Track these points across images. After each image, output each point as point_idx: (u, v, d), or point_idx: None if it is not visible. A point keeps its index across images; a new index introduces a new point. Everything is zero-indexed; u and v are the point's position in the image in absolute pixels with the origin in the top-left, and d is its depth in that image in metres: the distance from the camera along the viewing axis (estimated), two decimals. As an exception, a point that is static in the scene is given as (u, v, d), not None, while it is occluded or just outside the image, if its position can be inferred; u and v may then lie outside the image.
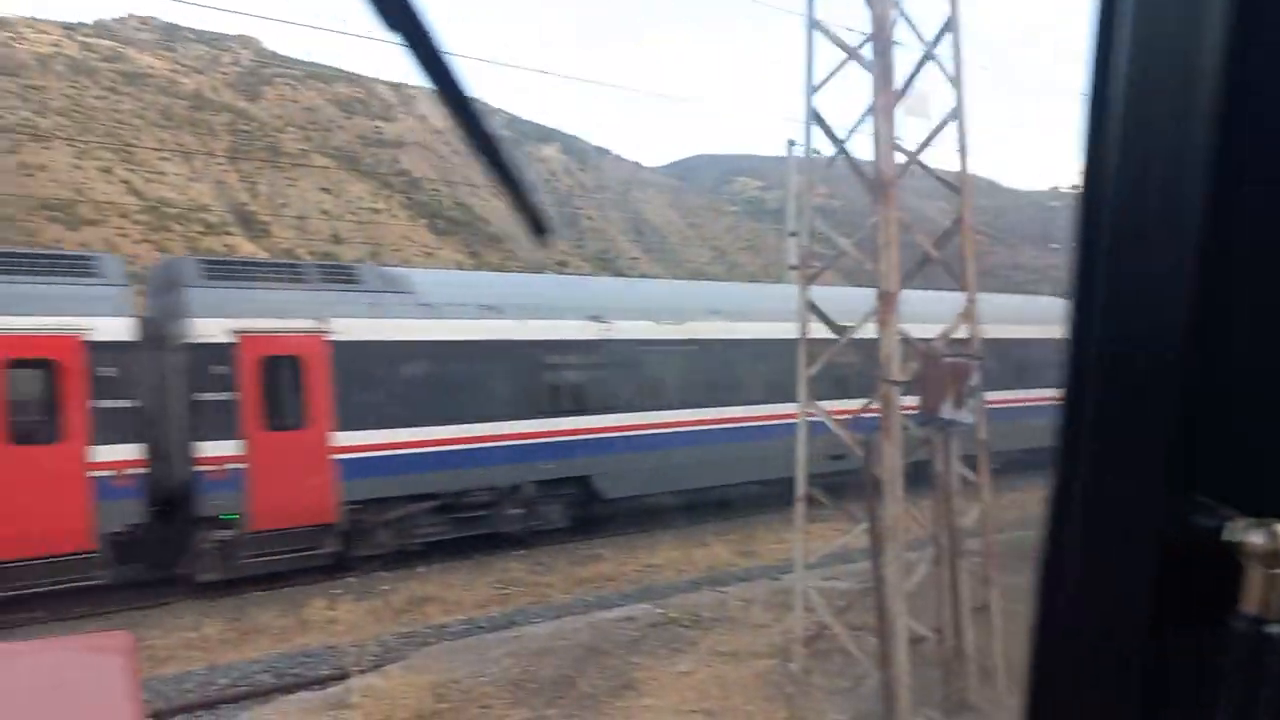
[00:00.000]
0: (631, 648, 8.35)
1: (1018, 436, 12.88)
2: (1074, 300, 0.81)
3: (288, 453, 12.98)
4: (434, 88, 1.02)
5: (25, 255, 14.11)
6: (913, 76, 6.56)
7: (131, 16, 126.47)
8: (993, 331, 8.66)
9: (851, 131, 6.72)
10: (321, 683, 8.37)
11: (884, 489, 6.12)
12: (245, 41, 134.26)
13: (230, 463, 12.56)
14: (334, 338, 13.38)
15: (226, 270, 14.12)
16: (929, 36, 6.62)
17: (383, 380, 13.81)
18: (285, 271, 14.88)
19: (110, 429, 11.72)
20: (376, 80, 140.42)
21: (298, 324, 13.19)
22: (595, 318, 15.79)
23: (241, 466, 12.63)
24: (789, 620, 7.75)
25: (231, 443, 12.60)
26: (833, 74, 6.76)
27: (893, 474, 6.10)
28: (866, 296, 7.94)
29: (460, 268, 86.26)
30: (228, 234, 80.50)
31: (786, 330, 16.99)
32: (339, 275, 14.92)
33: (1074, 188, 0.84)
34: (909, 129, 6.59)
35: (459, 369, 14.39)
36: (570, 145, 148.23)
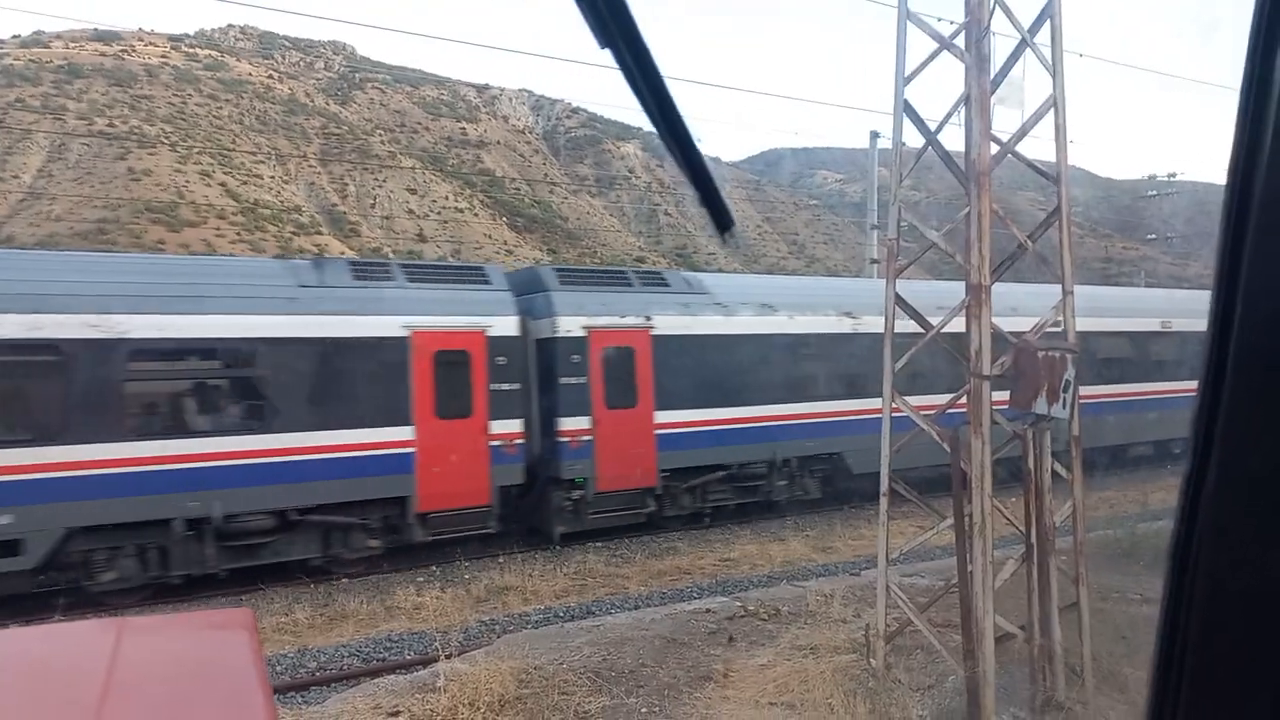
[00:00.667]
0: (710, 639, 8.35)
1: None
2: (1218, 291, 0.80)
3: (624, 427, 15.38)
4: (639, 91, 1.09)
5: (436, 267, 17.08)
6: (1008, 65, 6.37)
7: (232, 27, 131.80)
8: (1086, 325, 8.38)
9: (943, 122, 6.56)
10: (407, 667, 8.61)
11: (972, 484, 5.99)
12: (338, 48, 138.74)
13: (583, 435, 14.95)
14: (654, 332, 15.68)
15: (576, 276, 16.41)
16: (1025, 24, 6.42)
17: (689, 368, 15.90)
18: (617, 277, 17.26)
19: (502, 407, 14.26)
20: (461, 82, 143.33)
21: (630, 320, 15.55)
22: (848, 314, 17.53)
23: (590, 438, 15.03)
24: (870, 615, 7.65)
25: (585, 418, 14.97)
26: (925, 64, 6.62)
27: (981, 469, 5.96)
28: (951, 290, 7.76)
29: (537, 264, 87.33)
30: (318, 234, 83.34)
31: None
32: (655, 280, 17.27)
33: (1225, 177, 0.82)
34: (1000, 119, 6.41)
35: (744, 358, 16.50)
36: (649, 141, 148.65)
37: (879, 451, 6.92)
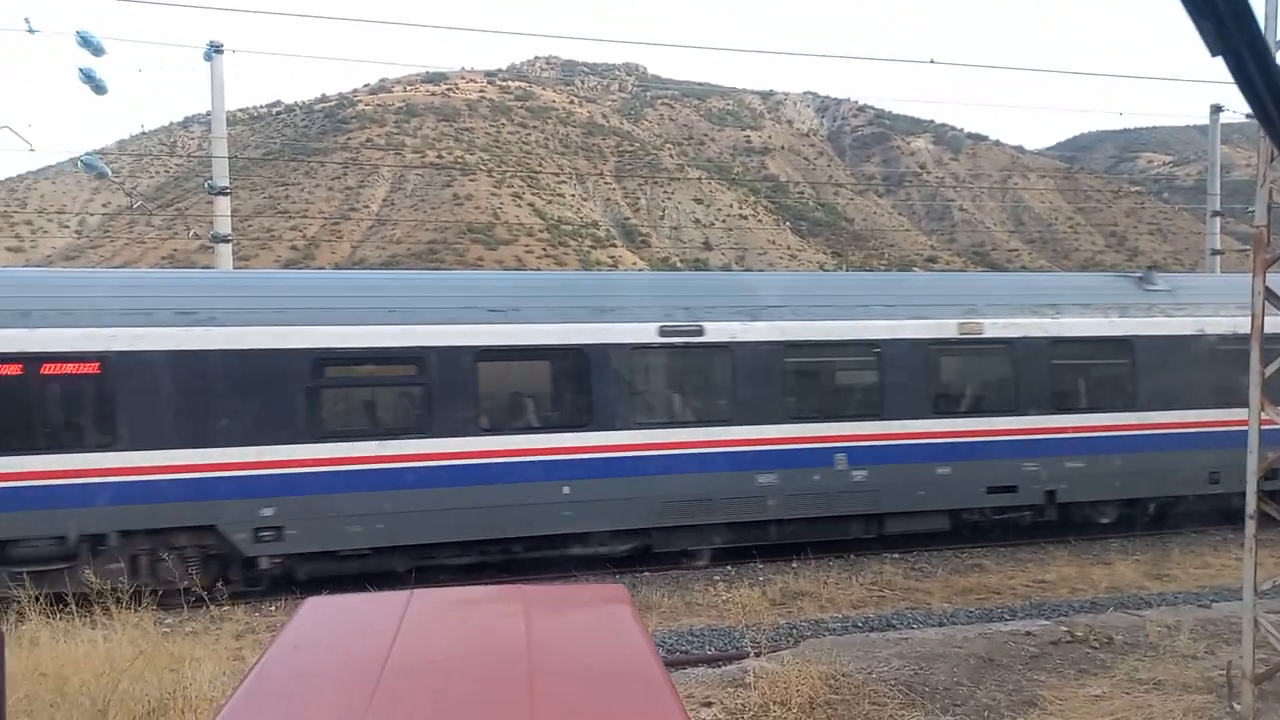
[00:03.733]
0: (1032, 664, 7.76)
1: None
2: None
3: None
4: (1256, 98, 1.07)
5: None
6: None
7: (538, 58, 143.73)
8: None
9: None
10: (712, 662, 8.86)
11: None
12: (631, 69, 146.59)
13: None
14: None
15: None
16: None
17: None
18: None
19: None
20: (746, 91, 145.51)
21: None
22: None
23: None
24: (1229, 653, 6.70)
25: None
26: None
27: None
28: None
29: (822, 268, 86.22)
30: (613, 246, 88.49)
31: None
32: None
33: None
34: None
35: None
36: (942, 134, 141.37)
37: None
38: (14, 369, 10.90)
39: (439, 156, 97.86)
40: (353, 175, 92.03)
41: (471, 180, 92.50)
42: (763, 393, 13.34)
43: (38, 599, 7.72)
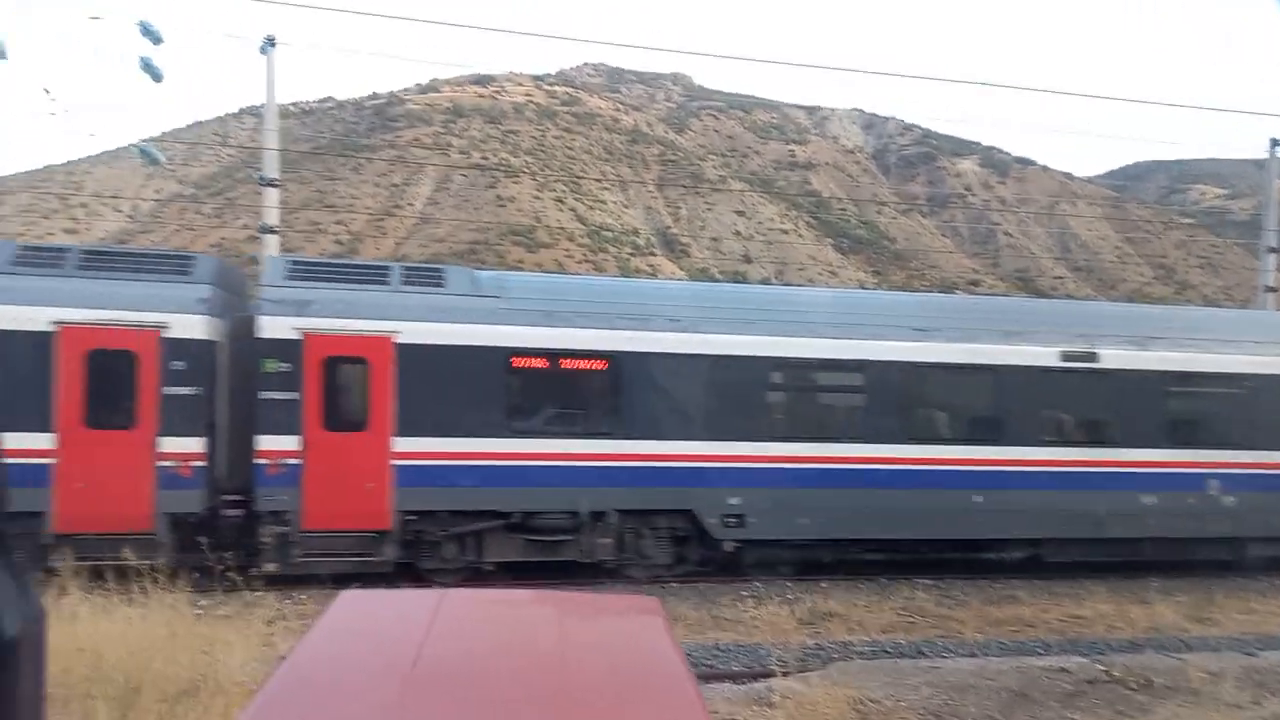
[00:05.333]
0: (1067, 702, 7.55)
1: None
2: None
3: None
4: None
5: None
6: None
7: (585, 64, 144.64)
8: None
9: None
10: (737, 678, 8.73)
11: None
12: (677, 79, 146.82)
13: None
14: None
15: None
16: None
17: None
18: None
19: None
20: (792, 105, 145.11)
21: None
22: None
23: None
24: (1278, 705, 6.46)
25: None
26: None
27: None
28: None
29: (862, 286, 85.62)
30: (652, 255, 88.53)
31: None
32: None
33: None
34: None
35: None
36: (989, 157, 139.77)
37: None
38: (540, 362, 12.47)
39: (484, 158, 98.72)
40: (398, 172, 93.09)
41: (515, 183, 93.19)
42: (1147, 418, 14.41)
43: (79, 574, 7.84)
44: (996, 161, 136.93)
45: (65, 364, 11.28)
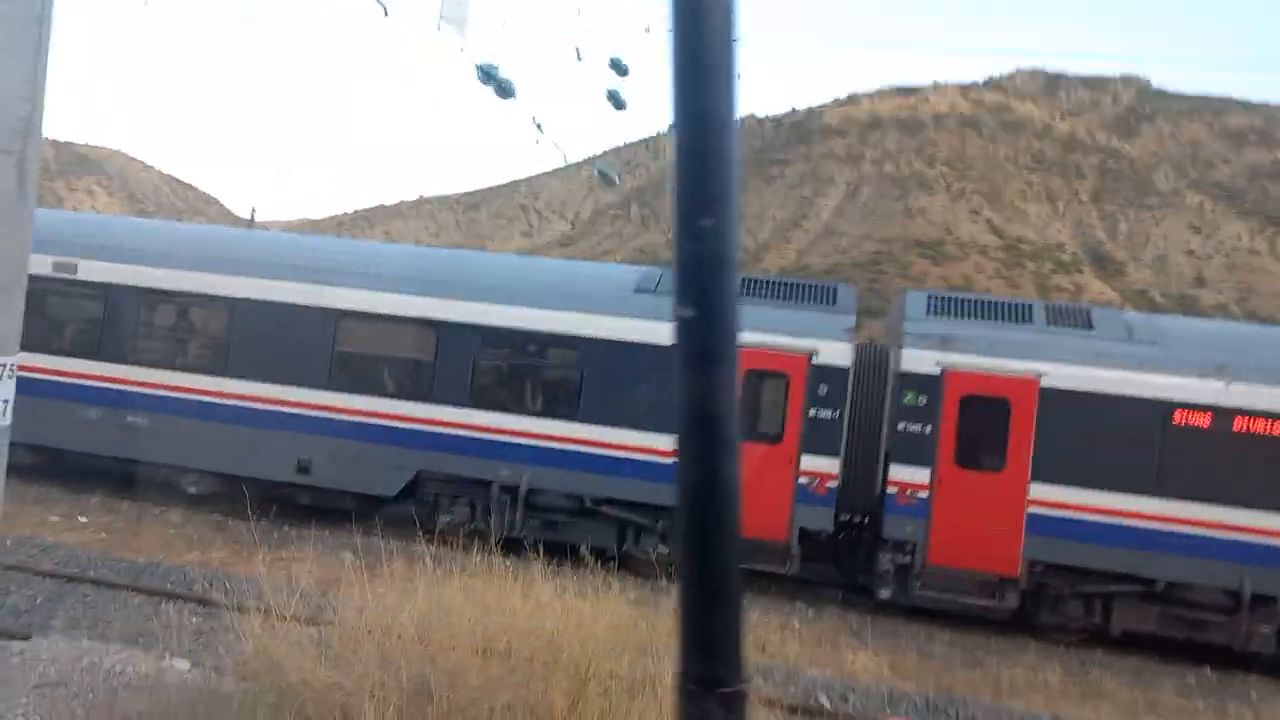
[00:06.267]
0: None
1: None
2: None
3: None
4: None
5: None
6: None
7: (1019, 71, 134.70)
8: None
9: None
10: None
11: None
12: (1129, 82, 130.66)
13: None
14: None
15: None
16: None
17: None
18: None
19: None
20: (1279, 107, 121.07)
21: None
22: None
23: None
24: None
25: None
26: None
27: None
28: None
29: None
30: (1078, 273, 79.52)
31: None
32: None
33: None
34: None
35: None
36: None
37: None
38: (1204, 419, 11.70)
39: (896, 169, 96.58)
40: (808, 185, 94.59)
41: (928, 194, 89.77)
42: None
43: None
44: None
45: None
